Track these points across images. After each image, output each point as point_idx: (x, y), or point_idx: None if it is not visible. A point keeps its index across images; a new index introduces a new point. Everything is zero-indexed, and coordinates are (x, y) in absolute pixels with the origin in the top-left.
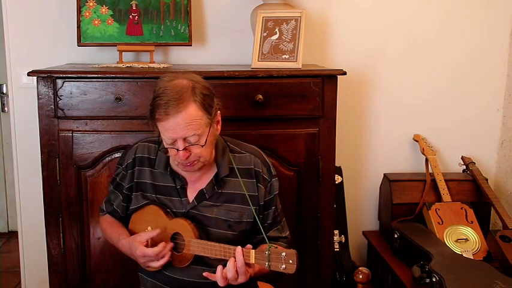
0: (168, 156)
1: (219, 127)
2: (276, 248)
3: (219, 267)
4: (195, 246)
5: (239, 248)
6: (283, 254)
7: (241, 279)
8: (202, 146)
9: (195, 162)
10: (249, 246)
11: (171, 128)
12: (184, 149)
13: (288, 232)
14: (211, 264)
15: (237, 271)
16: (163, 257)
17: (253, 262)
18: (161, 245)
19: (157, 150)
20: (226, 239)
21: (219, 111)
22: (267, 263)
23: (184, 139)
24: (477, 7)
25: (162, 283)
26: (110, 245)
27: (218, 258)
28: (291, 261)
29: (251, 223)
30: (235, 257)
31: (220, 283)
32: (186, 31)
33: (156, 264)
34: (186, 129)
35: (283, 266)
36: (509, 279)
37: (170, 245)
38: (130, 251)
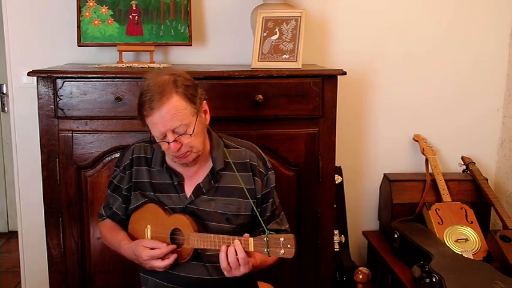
0: (164, 154)
1: (208, 117)
2: (274, 234)
3: (223, 247)
4: (195, 240)
5: (237, 241)
6: (282, 239)
7: (244, 270)
8: (190, 135)
9: (188, 153)
10: (246, 235)
11: (158, 121)
12: (175, 140)
13: (287, 225)
14: (210, 260)
15: (238, 261)
16: (168, 257)
17: (253, 250)
18: (165, 245)
19: (153, 149)
20: (224, 232)
21: (204, 101)
22: (265, 250)
23: (173, 131)
24: (477, 7)
25: (162, 280)
26: None
27: (217, 254)
28: (289, 246)
29: (249, 216)
30: (234, 247)
31: (223, 264)
32: (186, 31)
33: (162, 264)
34: (172, 120)
35: (282, 251)
36: (509, 279)
37: (171, 247)
38: (134, 256)
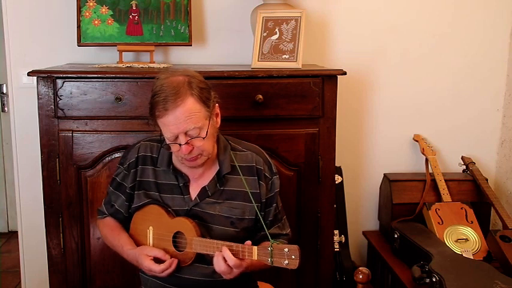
0: (171, 154)
1: (219, 120)
2: (279, 244)
3: (216, 253)
4: (197, 245)
5: (225, 248)
6: (286, 249)
7: (239, 271)
8: (203, 138)
9: (198, 156)
10: (248, 242)
11: (172, 123)
12: (186, 143)
13: (289, 230)
14: (211, 262)
15: (230, 267)
16: (168, 273)
17: (256, 259)
18: (168, 262)
19: (160, 148)
20: (228, 236)
21: (217, 104)
22: (269, 259)
23: (186, 133)
24: (477, 7)
25: (163, 282)
26: None
27: None
28: (293, 257)
29: (253, 220)
30: (223, 255)
31: (218, 270)
32: (186, 31)
33: (162, 275)
34: (186, 123)
35: (286, 261)
36: (509, 279)
37: (175, 261)
38: (136, 263)
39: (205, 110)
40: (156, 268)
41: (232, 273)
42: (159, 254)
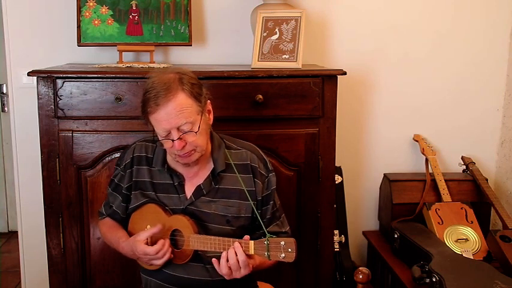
0: (165, 154)
1: (211, 117)
2: (275, 237)
3: (223, 253)
4: (195, 241)
5: (237, 243)
6: (282, 243)
7: (244, 272)
8: (196, 133)
9: (192, 152)
10: (246, 237)
11: (163, 118)
12: (179, 138)
13: (288, 227)
14: (210, 261)
15: (239, 263)
16: (164, 254)
17: (253, 253)
18: (160, 242)
19: (155, 148)
20: (225, 234)
21: (209, 101)
22: (266, 253)
23: (178, 128)
24: (477, 7)
25: (163, 281)
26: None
27: (218, 254)
28: (290, 250)
29: (249, 218)
30: (235, 249)
31: (224, 270)
32: (186, 31)
33: (158, 262)
34: (177, 117)
35: (283, 255)
36: (509, 279)
37: (168, 241)
38: (131, 252)
39: (197, 105)
40: (150, 250)
41: (239, 272)
42: (151, 231)
